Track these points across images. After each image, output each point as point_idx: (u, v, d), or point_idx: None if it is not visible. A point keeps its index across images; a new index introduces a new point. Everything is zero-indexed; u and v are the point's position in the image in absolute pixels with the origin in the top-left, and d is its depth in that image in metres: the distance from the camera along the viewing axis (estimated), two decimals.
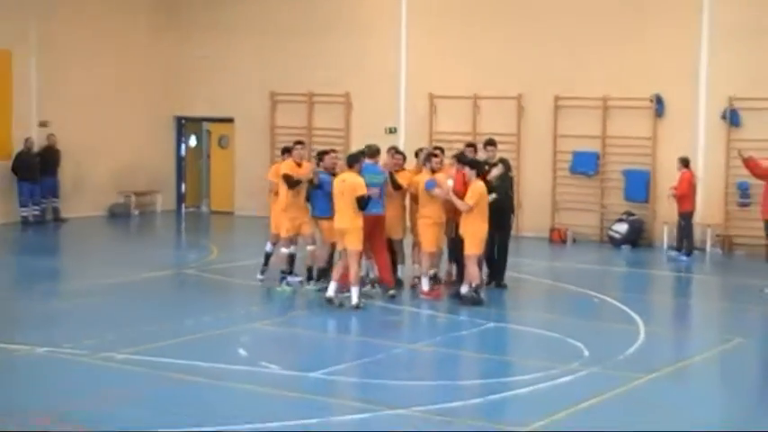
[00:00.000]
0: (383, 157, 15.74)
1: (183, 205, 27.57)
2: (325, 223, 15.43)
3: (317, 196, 15.49)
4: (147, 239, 23.58)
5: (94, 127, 25.03)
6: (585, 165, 22.47)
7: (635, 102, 21.85)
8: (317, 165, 15.80)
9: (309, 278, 15.87)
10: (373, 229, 14.73)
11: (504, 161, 16.30)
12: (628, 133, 22.02)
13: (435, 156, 15.57)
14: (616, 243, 21.66)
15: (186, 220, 26.36)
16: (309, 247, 15.85)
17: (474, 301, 14.67)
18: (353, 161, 14.66)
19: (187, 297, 15.90)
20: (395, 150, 16.26)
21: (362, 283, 14.93)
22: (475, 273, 14.69)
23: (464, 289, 14.85)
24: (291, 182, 15.49)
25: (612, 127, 22.26)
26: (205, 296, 15.77)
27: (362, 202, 14.28)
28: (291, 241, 15.85)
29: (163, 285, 16.68)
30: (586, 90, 22.22)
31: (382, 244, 15.12)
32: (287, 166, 15.72)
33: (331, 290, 14.52)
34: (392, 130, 24.09)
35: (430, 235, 15.25)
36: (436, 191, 15.00)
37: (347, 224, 14.41)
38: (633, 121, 22.00)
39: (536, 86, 22.71)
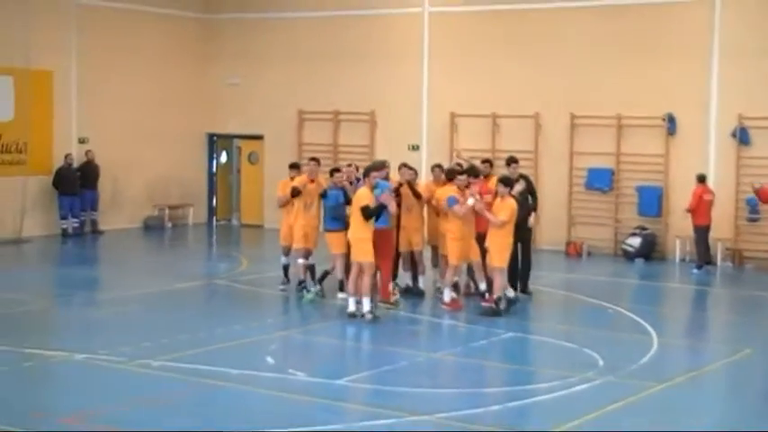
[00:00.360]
0: (395, 174, 15.81)
1: (215, 218, 27.64)
2: (329, 236, 15.53)
3: (325, 210, 15.65)
4: (179, 251, 23.65)
5: (131, 143, 25.16)
6: (600, 181, 22.42)
7: (648, 120, 21.79)
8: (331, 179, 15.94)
9: (303, 287, 15.98)
10: (378, 242, 14.66)
11: (524, 177, 16.35)
12: (641, 151, 21.95)
13: (460, 173, 15.51)
14: (630, 256, 21.58)
15: (217, 233, 26.44)
16: (300, 261, 16.02)
17: (494, 312, 14.67)
18: (364, 176, 14.92)
19: (218, 307, 15.95)
20: (406, 167, 16.28)
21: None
22: (504, 284, 14.79)
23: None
24: (292, 192, 15.88)
25: (626, 145, 22.20)
26: (235, 306, 15.83)
27: (366, 213, 14.26)
28: (307, 252, 15.94)
29: (195, 295, 16.73)
30: (601, 109, 22.18)
31: (387, 258, 15.04)
32: (299, 181, 16.02)
33: (351, 305, 14.51)
34: (415, 147, 24.12)
35: (455, 249, 15.18)
36: (455, 208, 14.98)
37: (351, 235, 14.58)
38: (646, 139, 21.93)
39: (553, 105, 22.69)
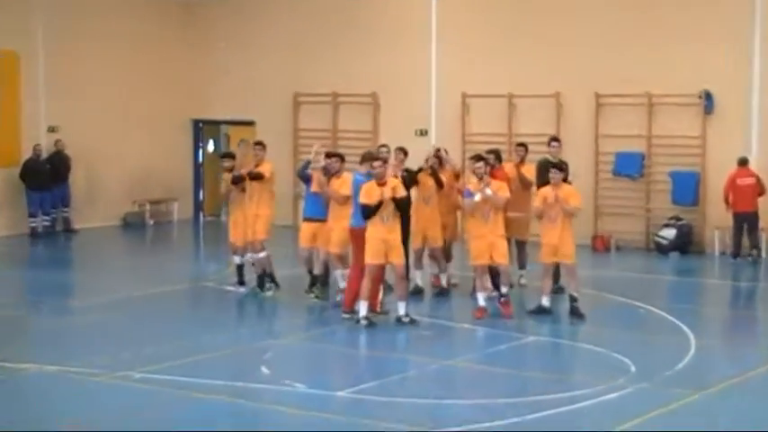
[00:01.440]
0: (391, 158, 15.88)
1: (202, 214, 27.68)
2: (303, 225, 16.05)
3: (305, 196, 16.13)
4: (162, 251, 23.68)
5: (107, 132, 25.18)
6: (629, 166, 22.39)
7: (682, 98, 21.73)
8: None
9: (260, 285, 16.35)
10: (358, 242, 14.61)
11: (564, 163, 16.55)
12: (674, 132, 21.91)
13: (481, 158, 15.45)
14: (663, 250, 21.56)
15: (205, 230, 26.47)
16: (259, 255, 16.32)
17: (543, 310, 15.03)
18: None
19: (206, 312, 15.94)
20: (402, 151, 16.35)
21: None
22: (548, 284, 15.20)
23: (545, 301, 15.12)
24: (234, 179, 16.27)
25: (658, 126, 22.16)
26: (225, 311, 15.85)
27: (366, 210, 14.22)
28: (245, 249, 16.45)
29: (180, 300, 16.74)
30: (629, 87, 22.12)
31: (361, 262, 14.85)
32: (267, 168, 16.37)
33: (363, 310, 14.45)
34: (422, 132, 24.11)
35: (471, 248, 15.10)
36: (466, 201, 14.92)
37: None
38: (680, 118, 21.88)
39: (575, 84, 22.65)
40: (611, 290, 17.32)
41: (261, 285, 16.42)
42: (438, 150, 16.77)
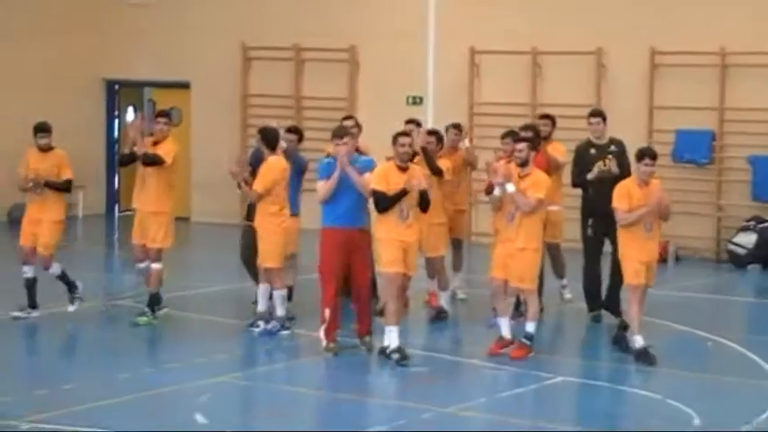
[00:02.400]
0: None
1: (117, 207, 27.66)
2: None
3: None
4: (61, 257, 23.58)
5: None
6: (695, 149, 22.48)
7: (766, 58, 21.82)
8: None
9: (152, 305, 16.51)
10: (343, 249, 14.75)
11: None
12: (757, 104, 22.00)
13: (516, 135, 15.52)
14: (740, 262, 21.64)
15: (121, 229, 26.41)
16: (154, 265, 16.55)
17: (650, 359, 14.59)
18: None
19: (122, 340, 15.92)
20: (415, 123, 16.68)
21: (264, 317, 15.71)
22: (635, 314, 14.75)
23: (638, 341, 14.69)
24: (122, 157, 16.97)
25: (734, 95, 22.25)
26: (148, 339, 15.84)
27: (380, 201, 14.34)
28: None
29: (86, 324, 16.71)
30: (695, 42, 22.22)
31: (362, 273, 14.97)
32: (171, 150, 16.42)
33: (394, 340, 14.47)
34: (416, 101, 24.12)
35: (493, 257, 15.20)
36: (497, 191, 14.85)
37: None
38: (765, 86, 21.96)
39: (622, 37, 22.73)
40: (668, 315, 17.35)
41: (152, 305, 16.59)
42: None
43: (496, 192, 14.67)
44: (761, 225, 21.80)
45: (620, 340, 15.02)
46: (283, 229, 15.53)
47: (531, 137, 15.19)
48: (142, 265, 16.67)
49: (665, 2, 22.40)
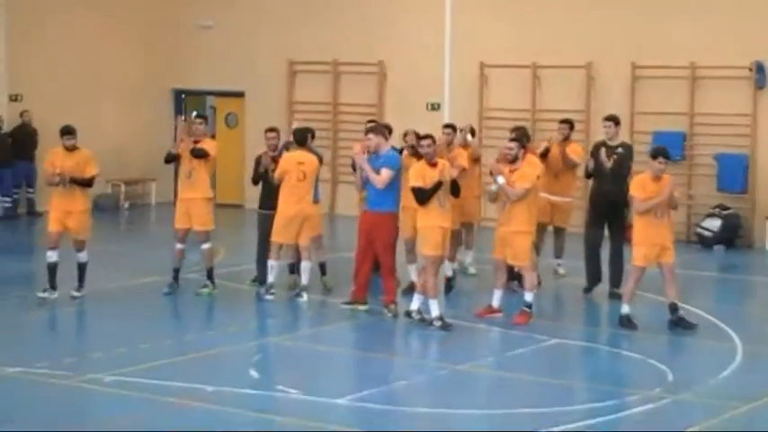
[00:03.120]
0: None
1: None
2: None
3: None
4: (139, 238, 23.69)
5: (76, 102, 25.10)
6: (669, 148, 22.19)
7: (730, 71, 21.74)
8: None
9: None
10: (375, 231, 15.00)
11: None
12: (721, 109, 21.89)
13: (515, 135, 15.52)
14: (707, 243, 21.57)
15: None
16: (205, 246, 16.62)
17: (632, 325, 14.64)
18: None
19: (188, 307, 15.98)
20: (452, 128, 16.82)
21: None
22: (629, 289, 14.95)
23: (624, 309, 14.81)
24: (167, 156, 16.88)
25: (702, 102, 22.15)
26: (210, 306, 15.88)
27: (420, 195, 14.39)
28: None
29: (159, 294, 16.73)
30: (670, 57, 22.12)
31: (388, 251, 15.08)
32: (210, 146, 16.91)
33: (416, 302, 14.60)
34: (434, 107, 24.12)
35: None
36: (492, 186, 14.88)
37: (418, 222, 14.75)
38: (728, 94, 21.88)
39: (609, 53, 22.64)
40: (647, 287, 17.25)
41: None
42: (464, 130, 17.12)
43: (492, 186, 14.82)
44: (725, 212, 21.72)
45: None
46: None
47: (520, 137, 15.28)
48: (182, 245, 16.60)
49: (645, 24, 22.30)
